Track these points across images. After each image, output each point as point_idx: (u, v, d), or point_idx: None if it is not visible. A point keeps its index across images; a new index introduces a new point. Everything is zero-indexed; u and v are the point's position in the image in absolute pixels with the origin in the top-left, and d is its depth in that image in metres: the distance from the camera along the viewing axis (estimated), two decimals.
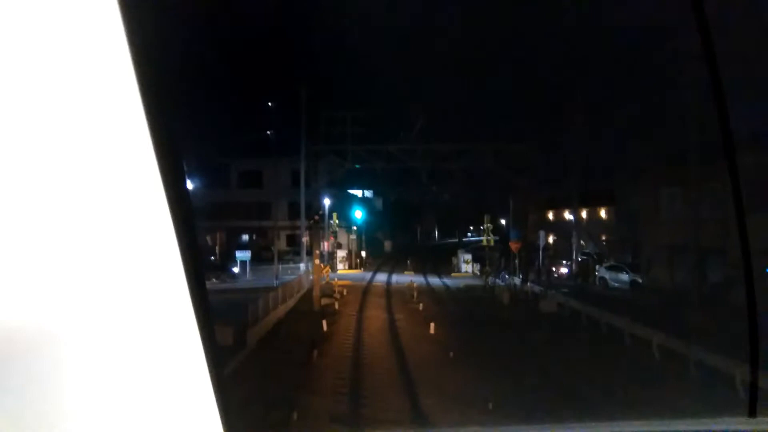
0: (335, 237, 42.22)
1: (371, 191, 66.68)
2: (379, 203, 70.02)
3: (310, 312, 22.54)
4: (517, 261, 35.82)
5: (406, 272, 40.10)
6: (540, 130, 38.65)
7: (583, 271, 35.77)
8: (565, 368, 13.94)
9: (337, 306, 24.10)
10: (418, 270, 41.24)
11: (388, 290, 30.75)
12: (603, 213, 42.66)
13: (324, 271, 31.11)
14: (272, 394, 11.13)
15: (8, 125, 1.03)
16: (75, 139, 1.06)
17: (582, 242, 39.89)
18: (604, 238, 41.56)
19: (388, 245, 62.82)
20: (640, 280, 30.10)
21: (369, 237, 53.41)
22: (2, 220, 1.04)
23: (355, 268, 43.39)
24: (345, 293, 27.77)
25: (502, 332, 19.44)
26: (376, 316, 22.32)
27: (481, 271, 38.63)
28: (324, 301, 24.58)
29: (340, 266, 41.13)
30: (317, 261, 27.85)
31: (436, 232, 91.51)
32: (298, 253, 38.29)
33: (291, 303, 23.99)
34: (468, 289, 32.64)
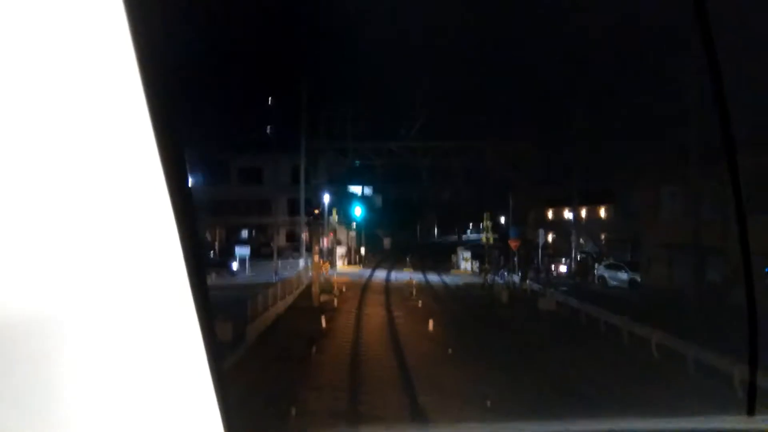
0: (335, 233, 42.23)
1: (371, 188, 66.66)
2: (378, 200, 70.02)
3: (309, 308, 22.57)
4: (516, 259, 35.86)
5: (405, 269, 40.14)
6: (540, 128, 38.66)
7: (582, 270, 35.82)
8: (563, 366, 13.97)
9: (336, 302, 24.13)
10: (417, 267, 41.27)
11: (387, 287, 30.78)
12: (602, 212, 42.69)
13: (323, 268, 31.13)
14: (271, 389, 11.15)
15: (10, 117, 1.03)
16: (77, 135, 1.06)
17: (581, 241, 39.94)
18: (603, 236, 41.61)
19: (387, 242, 62.87)
20: (639, 279, 30.14)
21: (368, 234, 53.45)
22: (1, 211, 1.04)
23: (355, 264, 43.44)
24: (344, 290, 27.80)
25: (500, 330, 19.48)
26: (375, 312, 22.35)
27: (480, 268, 38.67)
28: (323, 297, 24.60)
29: (339, 263, 41.16)
30: (316, 257, 27.87)
31: (436, 230, 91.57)
32: (297, 250, 38.32)
33: (290, 299, 24.01)
34: (467, 287, 32.68)
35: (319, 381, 12.79)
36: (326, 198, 40.25)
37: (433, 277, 36.87)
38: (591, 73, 30.78)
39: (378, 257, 49.34)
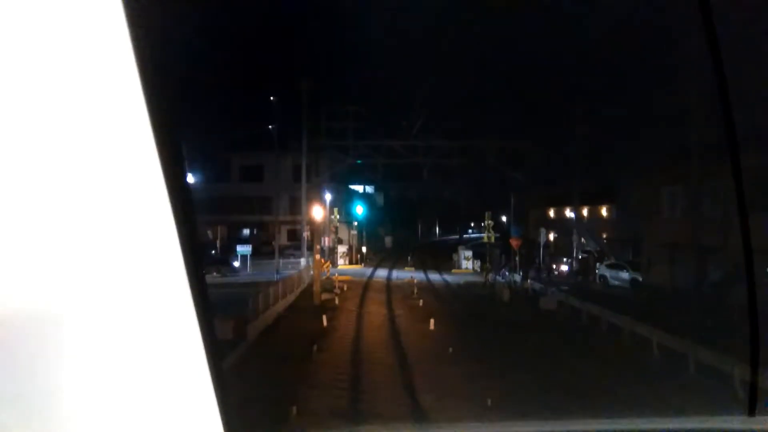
0: (336, 232, 42.23)
1: (372, 187, 66.65)
2: (380, 199, 70.02)
3: (311, 307, 22.57)
4: (517, 258, 35.83)
5: (406, 268, 40.14)
6: (542, 127, 38.62)
7: (584, 269, 35.79)
8: (564, 365, 13.96)
9: (337, 301, 24.13)
10: (418, 266, 41.27)
11: (389, 286, 30.78)
12: (604, 211, 42.65)
13: (324, 266, 31.14)
14: (272, 388, 11.15)
15: (9, 116, 1.03)
16: (76, 132, 1.05)
17: (582, 240, 39.89)
18: (604, 235, 41.57)
19: (388, 241, 62.87)
20: (641, 279, 30.11)
21: (370, 232, 53.45)
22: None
23: (356, 263, 43.43)
24: (345, 288, 27.80)
25: (501, 329, 19.47)
26: (376, 311, 22.35)
27: (481, 267, 38.66)
28: (324, 296, 24.61)
29: (340, 261, 41.16)
30: (318, 256, 27.88)
31: (437, 229, 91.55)
32: (298, 248, 38.32)
33: (291, 298, 24.02)
34: (468, 286, 32.67)
35: (320, 380, 12.79)
36: (328, 196, 40.25)
37: (435, 276, 36.87)
38: (593, 72, 30.75)
39: (379, 256, 49.34)
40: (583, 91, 32.30)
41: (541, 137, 38.95)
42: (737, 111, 1.64)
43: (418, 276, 34.41)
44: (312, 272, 27.92)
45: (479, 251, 41.93)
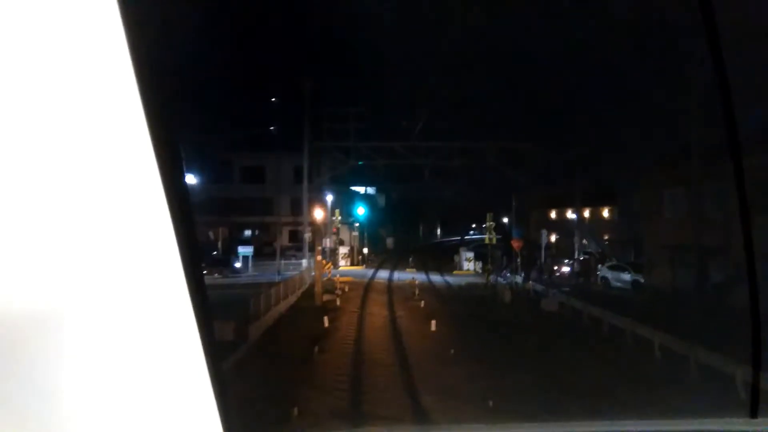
0: (337, 233, 42.23)
1: (374, 188, 66.64)
2: (381, 200, 70.00)
3: (312, 308, 22.57)
4: (519, 259, 35.79)
5: (408, 269, 40.11)
6: (543, 128, 38.63)
7: (585, 271, 35.73)
8: (566, 367, 13.94)
9: (338, 302, 24.12)
10: (419, 267, 41.24)
11: (390, 287, 30.76)
12: (605, 212, 42.62)
13: (326, 268, 31.13)
14: (273, 389, 11.14)
15: (6, 116, 1.03)
16: (73, 133, 1.05)
17: (584, 241, 39.86)
18: (606, 237, 41.54)
19: (390, 242, 62.84)
20: (642, 280, 30.05)
21: (371, 234, 53.44)
22: None
23: (357, 264, 43.42)
24: (347, 290, 27.79)
25: (503, 331, 19.44)
26: (377, 312, 22.34)
27: (483, 269, 38.61)
28: (326, 297, 24.61)
29: (342, 263, 41.14)
30: (319, 257, 27.87)
31: (439, 230, 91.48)
32: (300, 249, 38.33)
33: (293, 299, 24.02)
34: (470, 287, 32.64)
35: (322, 381, 12.79)
36: (329, 197, 40.25)
37: (436, 278, 36.84)
38: (594, 72, 30.74)
39: (381, 257, 49.32)
40: (585, 92, 32.32)
41: (543, 138, 38.95)
42: (739, 111, 1.63)
43: (419, 277, 34.38)
44: (313, 273, 27.92)
45: (481, 252, 41.87)
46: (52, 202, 1.05)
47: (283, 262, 33.79)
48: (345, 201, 48.59)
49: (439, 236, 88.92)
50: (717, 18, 1.53)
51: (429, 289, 30.76)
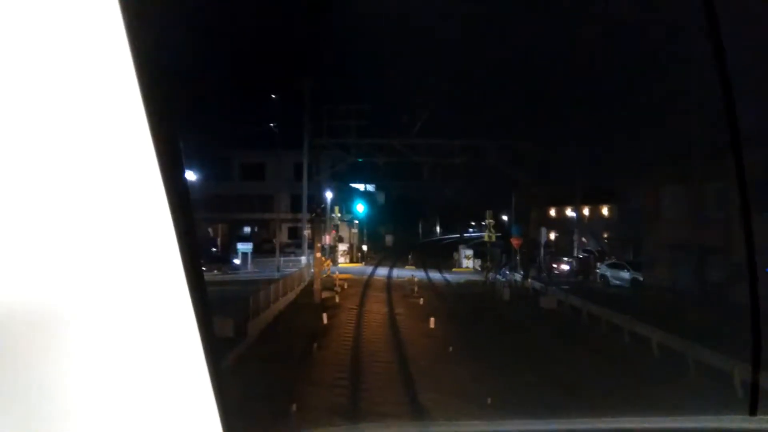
0: (337, 230, 42.23)
1: (373, 185, 66.61)
2: (381, 197, 69.99)
3: (311, 305, 22.59)
4: (518, 257, 35.82)
5: (407, 267, 40.14)
6: (543, 126, 38.61)
7: (584, 269, 35.78)
8: (564, 364, 13.96)
9: (337, 299, 24.14)
10: (419, 265, 41.27)
11: (389, 284, 30.79)
12: (605, 210, 42.63)
13: (325, 265, 31.12)
14: (272, 385, 11.16)
15: (6, 115, 1.02)
16: (72, 130, 1.05)
17: (583, 239, 39.89)
18: (605, 235, 41.57)
19: (389, 240, 62.85)
20: (641, 278, 30.09)
21: (370, 231, 53.44)
22: None
23: (357, 261, 43.44)
24: (346, 287, 27.82)
25: (501, 328, 19.47)
26: (376, 310, 22.36)
27: (482, 266, 38.64)
28: (325, 294, 24.63)
29: (341, 260, 41.17)
30: (318, 254, 27.88)
31: (438, 228, 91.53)
32: (299, 246, 38.34)
33: (292, 296, 24.04)
34: (469, 285, 32.67)
35: (321, 377, 12.80)
36: (329, 195, 40.24)
37: (435, 275, 36.87)
38: (595, 71, 30.72)
39: (380, 254, 49.34)
40: (585, 90, 32.28)
41: (543, 136, 38.95)
42: (740, 108, 1.63)
43: (418, 274, 34.41)
44: (312, 270, 27.93)
45: (480, 250, 41.92)
46: (51, 199, 1.05)
47: (282, 259, 33.79)
48: (344, 198, 48.57)
49: (438, 234, 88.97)
50: (719, 15, 1.53)
51: (428, 286, 30.79)
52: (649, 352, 15.18)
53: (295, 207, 41.31)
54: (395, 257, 46.01)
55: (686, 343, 13.85)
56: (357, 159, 40.31)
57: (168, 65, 1.16)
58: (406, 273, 35.26)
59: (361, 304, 23.32)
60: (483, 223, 38.56)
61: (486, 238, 36.88)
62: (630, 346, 16.45)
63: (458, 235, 79.30)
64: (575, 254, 38.20)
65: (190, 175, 38.79)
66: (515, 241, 34.82)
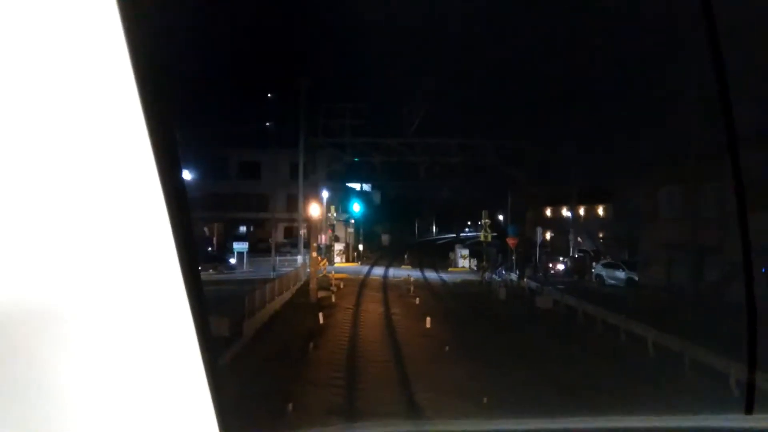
0: (333, 230, 42.21)
1: (369, 185, 66.60)
2: (377, 197, 69.96)
3: (307, 304, 22.57)
4: (514, 257, 35.89)
5: (403, 266, 40.16)
6: (540, 126, 38.69)
7: (580, 268, 35.89)
8: (560, 364, 13.99)
9: (333, 299, 24.13)
10: (415, 264, 41.29)
11: (385, 284, 30.79)
12: (601, 210, 42.75)
13: (321, 264, 31.10)
14: (268, 385, 11.15)
15: (3, 112, 1.02)
16: (69, 128, 1.04)
17: (579, 239, 40.01)
18: (601, 235, 41.68)
19: (385, 239, 62.87)
20: (637, 278, 30.20)
21: (367, 231, 53.42)
22: None
23: (353, 261, 43.43)
24: (342, 286, 27.81)
25: (497, 328, 19.50)
26: (372, 309, 22.35)
27: (478, 266, 38.70)
28: (321, 293, 24.60)
29: (337, 259, 41.15)
30: (314, 254, 27.86)
31: (434, 227, 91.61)
32: (295, 246, 38.31)
33: (287, 295, 24.01)
34: (465, 285, 32.71)
35: (317, 377, 12.80)
36: (325, 194, 40.21)
37: (431, 275, 36.90)
38: (592, 71, 30.79)
39: (376, 254, 49.35)
40: (583, 90, 32.35)
41: (540, 136, 39.05)
42: (737, 109, 1.63)
43: (414, 274, 34.43)
44: (308, 270, 27.90)
45: (476, 250, 41.99)
46: (50, 198, 1.05)
47: (278, 258, 33.76)
48: (341, 198, 48.55)
49: (434, 233, 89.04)
50: (716, 14, 1.53)
51: (424, 286, 30.81)
52: (644, 352, 15.23)
53: (291, 206, 41.29)
54: (391, 257, 46.03)
55: (682, 343, 13.90)
56: (353, 158, 40.34)
57: (165, 64, 1.15)
58: (402, 273, 35.29)
59: (357, 303, 23.32)
60: (479, 223, 38.65)
61: (482, 238, 36.95)
62: (625, 345, 16.50)
63: (454, 235, 79.42)
64: (571, 254, 38.30)
65: (186, 174, 38.75)
66: (511, 241, 34.89)
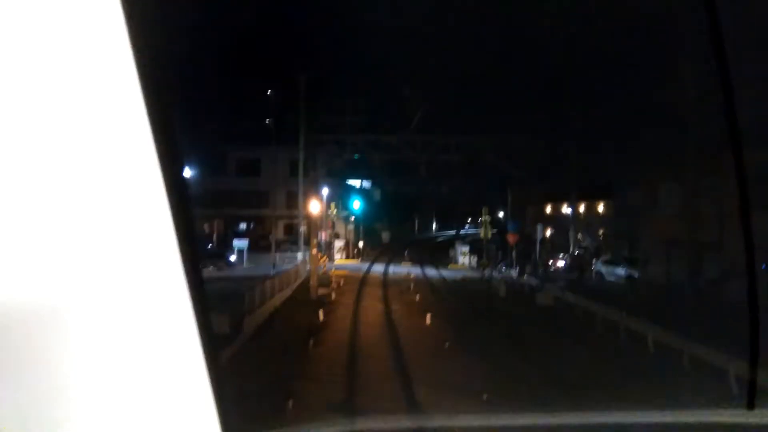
0: (333, 227, 42.22)
1: (369, 182, 66.58)
2: (377, 194, 69.94)
3: (307, 301, 22.58)
4: (514, 254, 35.90)
5: (403, 263, 40.16)
6: (540, 122, 38.62)
7: (580, 265, 35.90)
8: (560, 361, 14.00)
9: (333, 296, 24.14)
10: (415, 261, 41.29)
11: (385, 281, 30.80)
12: (601, 207, 42.73)
13: (321, 261, 31.10)
14: (269, 382, 11.16)
15: (5, 111, 1.02)
16: (71, 126, 1.04)
17: (579, 236, 40.00)
18: (601, 232, 41.68)
19: (385, 236, 62.86)
20: (637, 275, 30.21)
21: (367, 227, 53.43)
22: None
23: (353, 258, 43.45)
24: (342, 283, 27.81)
25: (497, 324, 19.51)
26: (372, 306, 22.37)
27: (478, 263, 38.70)
28: (321, 290, 24.62)
29: (337, 256, 41.17)
30: (314, 250, 27.86)
31: (434, 224, 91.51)
32: (295, 242, 38.30)
33: (288, 292, 24.03)
34: (465, 282, 32.71)
35: (317, 373, 12.82)
36: (325, 191, 40.19)
37: (431, 272, 36.90)
38: (591, 66, 30.71)
39: (376, 251, 49.35)
40: (583, 87, 32.29)
41: (539, 132, 38.97)
42: (741, 105, 1.63)
43: (414, 271, 34.44)
44: (309, 267, 27.91)
45: (476, 247, 41.96)
46: (51, 195, 1.04)
47: (278, 255, 33.74)
48: (341, 195, 48.55)
49: (434, 230, 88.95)
50: (720, 10, 1.53)
51: (424, 283, 30.81)
52: (644, 349, 15.24)
53: (291, 203, 41.27)
54: (391, 254, 46.03)
55: (682, 339, 13.91)
56: (353, 155, 40.32)
57: (166, 61, 1.15)
58: (402, 269, 35.28)
59: (358, 300, 23.33)
60: (479, 220, 38.62)
61: (482, 235, 36.93)
62: (625, 342, 16.52)
63: (455, 232, 79.35)
64: (571, 251, 38.30)
65: (186, 171, 38.73)
66: (511, 238, 34.89)
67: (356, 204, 49.39)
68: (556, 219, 45.25)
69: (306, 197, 36.70)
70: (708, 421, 1.54)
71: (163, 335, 1.13)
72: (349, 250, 44.71)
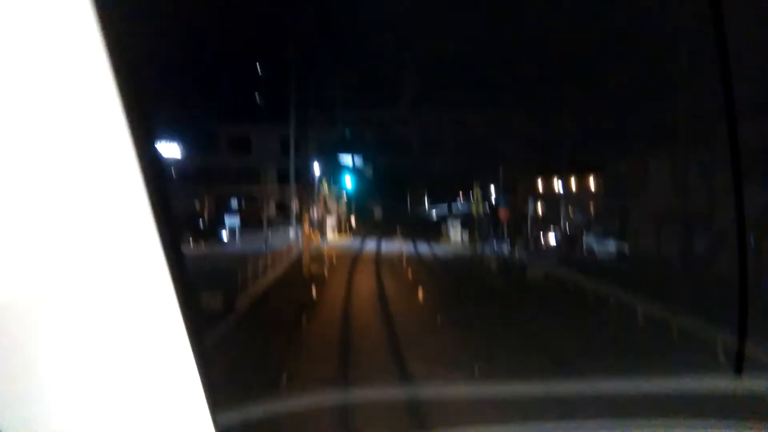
0: (325, 204, 42.16)
1: (361, 158, 66.31)
2: (369, 170, 69.69)
3: (300, 278, 22.66)
4: (505, 230, 36.09)
5: (395, 239, 40.30)
6: (531, 98, 38.41)
7: (571, 240, 36.18)
8: (550, 333, 14.19)
9: (326, 272, 24.23)
10: (407, 237, 41.43)
11: (378, 257, 30.93)
12: (592, 182, 42.87)
13: (313, 238, 31.11)
14: (261, 357, 11.26)
15: None
16: (36, 107, 1.00)
17: (570, 211, 40.21)
18: (592, 207, 41.90)
19: (377, 213, 62.96)
20: (628, 250, 30.50)
21: (359, 204, 53.43)
22: None
23: (345, 234, 43.53)
24: (334, 260, 27.91)
25: (489, 299, 19.72)
26: (365, 282, 22.50)
27: (469, 239, 38.90)
28: (313, 267, 24.70)
29: (329, 233, 41.20)
30: (306, 227, 27.85)
31: (426, 200, 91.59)
32: (287, 220, 38.26)
33: (280, 269, 24.08)
34: (456, 257, 32.91)
35: (310, 349, 12.93)
36: (316, 168, 40.02)
37: (423, 248, 37.07)
38: (583, 39, 30.41)
39: (368, 227, 49.44)
40: (573, 59, 32.05)
41: (531, 108, 38.83)
42: (737, 77, 1.62)
43: (406, 247, 34.57)
44: (301, 244, 27.94)
45: (468, 223, 42.13)
46: (23, 178, 1.02)
47: (270, 232, 33.71)
48: (333, 172, 48.35)
49: (427, 206, 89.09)
50: None
51: (416, 259, 30.98)
52: (634, 321, 15.48)
53: (283, 180, 41.07)
54: (384, 230, 46.12)
55: (671, 312, 14.13)
56: (345, 132, 40.06)
57: (151, 36, 1.12)
58: (394, 246, 35.41)
59: (350, 276, 23.45)
60: (471, 196, 38.71)
61: (473, 211, 37.07)
62: (616, 314, 16.76)
63: (446, 208, 79.49)
64: (562, 226, 38.54)
65: (175, 149, 38.34)
66: (503, 214, 35.04)
67: (348, 180, 49.30)
68: (548, 194, 45.40)
69: (298, 174, 36.54)
70: (696, 386, 1.56)
71: (146, 318, 1.11)
72: (342, 227, 44.77)
